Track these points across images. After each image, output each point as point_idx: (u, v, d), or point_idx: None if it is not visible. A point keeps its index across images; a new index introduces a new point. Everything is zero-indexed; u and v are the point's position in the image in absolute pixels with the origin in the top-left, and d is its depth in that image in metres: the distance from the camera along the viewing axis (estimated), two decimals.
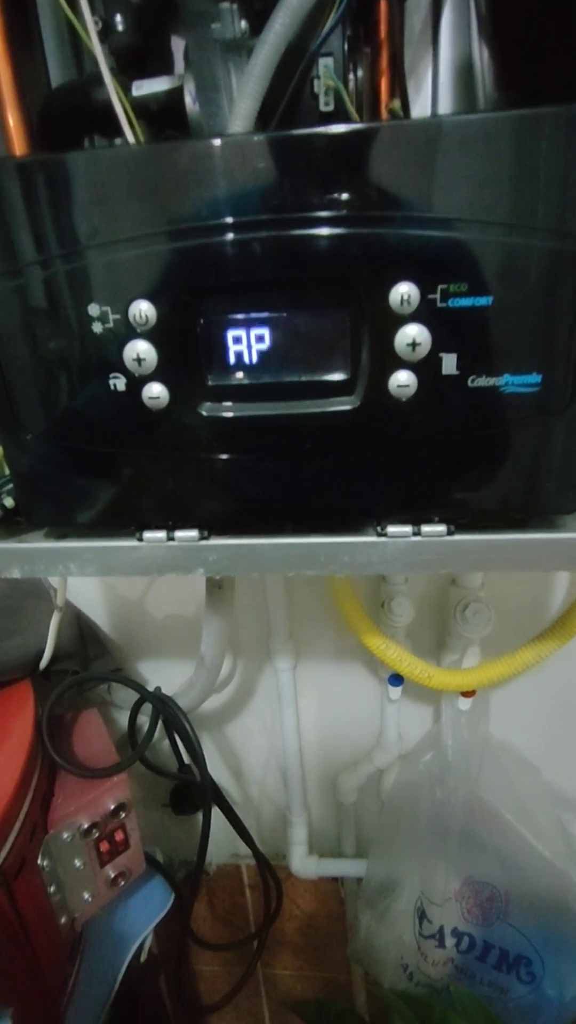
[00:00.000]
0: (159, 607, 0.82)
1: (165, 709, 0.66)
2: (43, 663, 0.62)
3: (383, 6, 0.48)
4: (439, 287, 0.31)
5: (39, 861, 0.52)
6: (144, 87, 0.47)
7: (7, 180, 0.31)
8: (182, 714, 0.67)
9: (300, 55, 0.39)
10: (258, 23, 0.36)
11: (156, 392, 0.34)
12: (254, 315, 0.33)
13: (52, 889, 0.54)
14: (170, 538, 0.40)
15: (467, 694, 0.73)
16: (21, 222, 0.32)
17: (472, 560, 0.39)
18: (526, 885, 0.75)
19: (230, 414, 0.35)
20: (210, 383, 0.35)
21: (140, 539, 0.40)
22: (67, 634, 0.68)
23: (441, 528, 0.38)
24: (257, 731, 0.90)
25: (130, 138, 0.40)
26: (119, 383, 0.34)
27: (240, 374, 0.34)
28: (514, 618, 0.72)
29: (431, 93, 0.55)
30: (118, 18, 0.50)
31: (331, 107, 0.40)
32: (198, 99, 0.39)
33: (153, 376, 0.34)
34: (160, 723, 0.67)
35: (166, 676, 0.82)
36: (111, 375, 0.34)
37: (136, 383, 0.34)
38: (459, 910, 0.75)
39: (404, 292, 0.30)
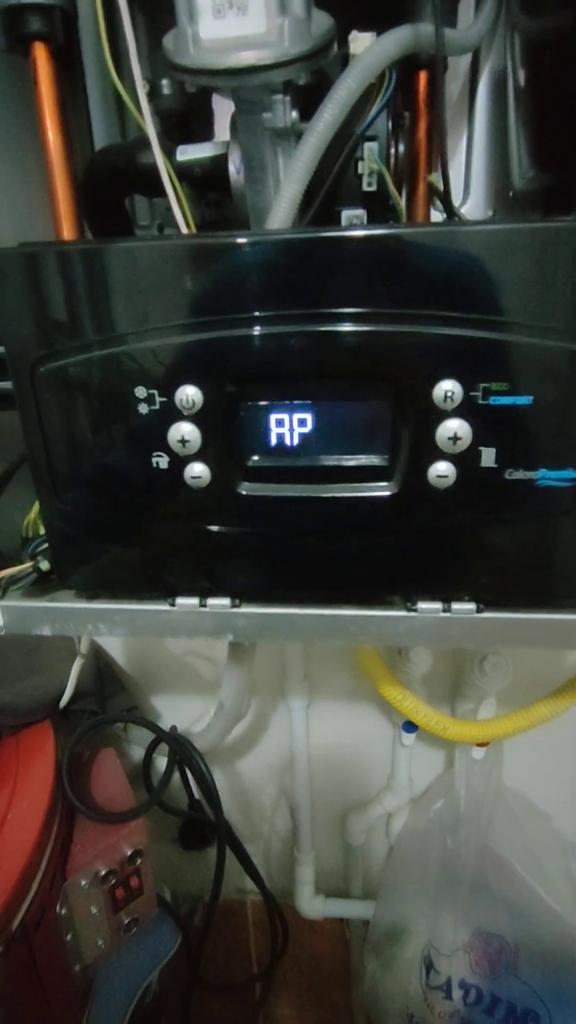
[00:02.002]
0: (175, 641, 0.82)
1: (182, 751, 0.66)
2: (63, 703, 0.62)
3: (423, 78, 0.49)
4: (481, 385, 0.31)
5: (58, 909, 0.52)
6: (188, 152, 0.48)
7: (53, 267, 0.32)
8: (198, 755, 0.67)
9: (345, 136, 0.40)
10: (308, 104, 0.37)
11: (198, 472, 0.35)
12: (297, 402, 0.34)
13: (68, 937, 0.55)
14: (202, 604, 0.40)
15: (481, 743, 0.73)
16: (72, 306, 0.33)
17: (498, 637, 0.39)
18: (535, 938, 0.74)
19: (269, 494, 0.35)
20: (250, 464, 0.35)
21: (172, 604, 0.40)
22: (85, 672, 0.68)
23: (471, 606, 0.38)
24: (267, 768, 0.90)
25: (175, 206, 0.40)
26: (162, 462, 0.35)
27: (280, 456, 0.35)
28: (531, 670, 0.72)
29: (464, 162, 0.56)
30: (164, 81, 0.52)
31: (374, 187, 0.41)
32: (245, 177, 0.40)
33: (196, 456, 0.35)
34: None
35: (181, 710, 0.82)
36: (154, 454, 0.35)
37: (179, 463, 0.35)
38: (468, 961, 0.74)
39: (448, 389, 0.31)
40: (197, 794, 0.73)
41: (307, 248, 0.30)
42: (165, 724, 0.80)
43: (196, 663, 0.83)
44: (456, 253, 0.30)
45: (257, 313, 0.32)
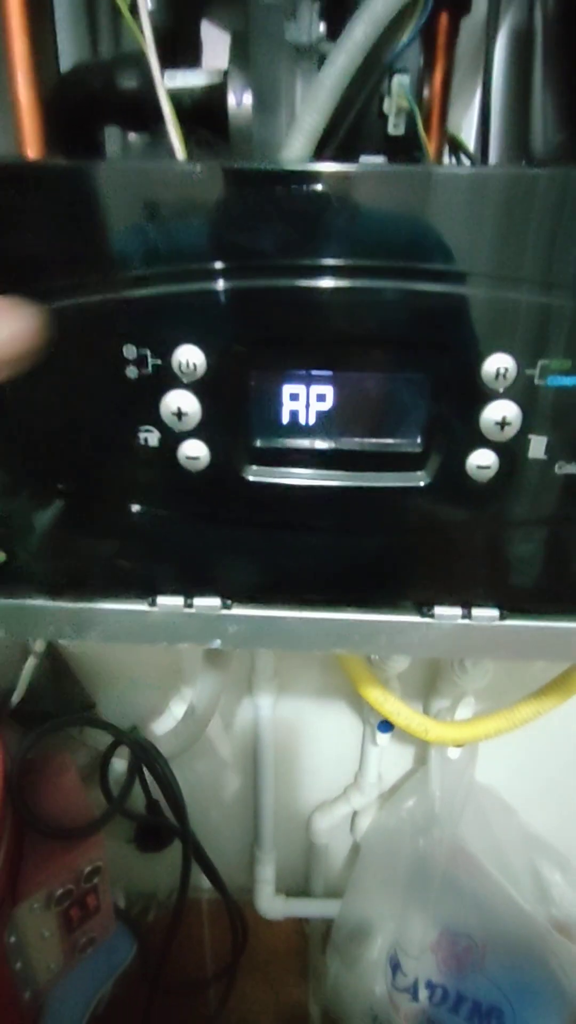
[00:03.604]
0: None
1: (145, 756, 0.61)
2: (12, 704, 0.56)
3: (444, 19, 0.44)
4: (540, 362, 0.27)
5: (6, 938, 0.47)
6: (178, 79, 0.41)
7: (31, 188, 0.26)
8: (163, 761, 0.62)
9: (372, 66, 0.35)
10: (334, 26, 0.31)
11: (195, 451, 0.29)
12: (317, 372, 0.28)
13: (18, 965, 0.49)
14: (188, 605, 0.35)
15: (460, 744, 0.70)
16: (52, 238, 0.27)
17: (524, 648, 0.35)
18: (502, 934, 0.73)
19: (278, 481, 0.30)
20: (258, 444, 0.30)
21: (153, 603, 0.35)
22: (39, 669, 0.62)
23: (493, 612, 0.34)
24: (228, 763, 0.85)
25: (173, 137, 0.34)
26: (151, 438, 0.29)
27: (294, 437, 0.30)
28: (507, 666, 0.70)
29: (479, 123, 0.51)
30: None
31: (401, 130, 0.35)
32: (254, 107, 0.34)
33: (193, 433, 0.29)
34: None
35: (140, 703, 0.76)
36: (142, 428, 0.29)
37: (173, 439, 0.29)
38: (435, 961, 0.72)
39: (501, 365, 0.26)
40: (154, 792, 0.67)
41: (339, 183, 0.25)
42: (123, 719, 0.75)
43: (155, 650, 0.76)
44: (520, 204, 0.25)
45: (277, 261, 0.26)
